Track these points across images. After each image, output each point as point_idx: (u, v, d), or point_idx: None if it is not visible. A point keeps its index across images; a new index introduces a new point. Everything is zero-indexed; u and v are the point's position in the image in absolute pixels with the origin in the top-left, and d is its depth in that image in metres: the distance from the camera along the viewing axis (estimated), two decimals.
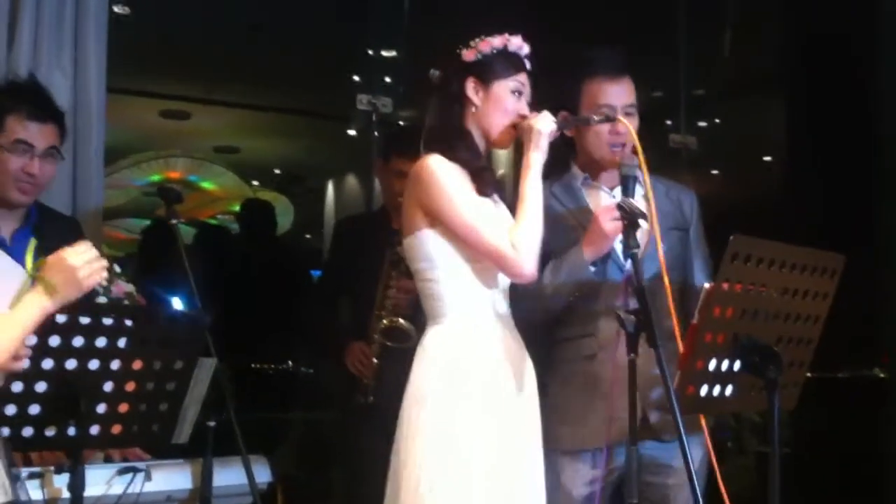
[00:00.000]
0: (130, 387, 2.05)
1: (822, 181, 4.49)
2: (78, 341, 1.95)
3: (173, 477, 2.36)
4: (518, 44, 2.41)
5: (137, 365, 2.05)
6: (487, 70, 2.38)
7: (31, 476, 2.14)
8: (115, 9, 3.85)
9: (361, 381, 3.26)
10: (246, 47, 5.95)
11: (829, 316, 2.31)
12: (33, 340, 1.87)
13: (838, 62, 4.42)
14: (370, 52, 5.62)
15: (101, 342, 1.98)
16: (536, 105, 2.43)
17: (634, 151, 2.39)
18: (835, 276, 2.28)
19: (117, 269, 2.74)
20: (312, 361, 4.90)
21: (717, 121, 6.32)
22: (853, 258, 2.31)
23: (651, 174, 2.48)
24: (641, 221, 2.24)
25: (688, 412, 2.26)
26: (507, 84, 2.38)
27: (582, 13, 5.14)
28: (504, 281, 2.36)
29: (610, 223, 2.37)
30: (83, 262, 1.86)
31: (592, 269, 2.44)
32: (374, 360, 3.24)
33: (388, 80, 5.51)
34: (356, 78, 5.81)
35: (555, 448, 2.48)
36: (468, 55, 2.39)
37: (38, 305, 1.81)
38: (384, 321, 3.21)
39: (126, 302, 2.66)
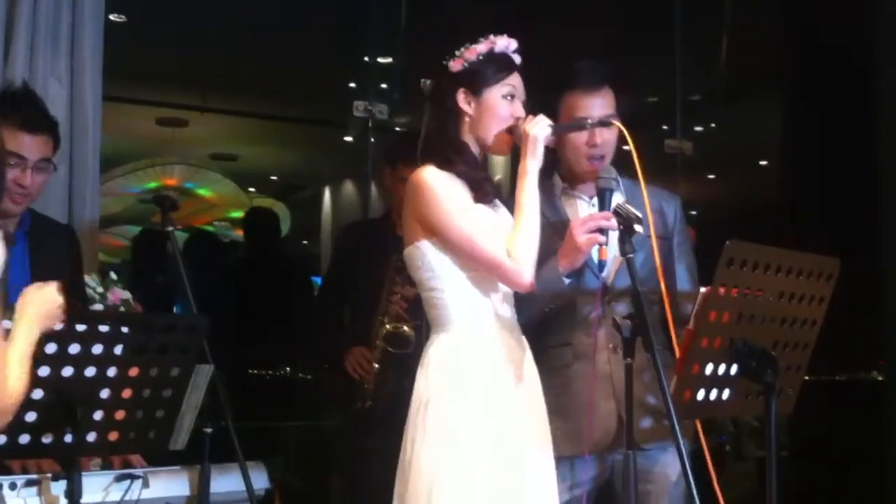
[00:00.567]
0: (127, 394, 2.05)
1: (819, 185, 4.50)
2: (74, 348, 1.95)
3: (171, 483, 2.36)
4: (504, 43, 2.38)
5: (134, 372, 2.04)
6: (476, 79, 2.36)
7: (29, 483, 2.14)
8: (111, 17, 3.85)
9: (361, 386, 3.27)
10: (243, 55, 5.96)
11: (827, 319, 2.32)
12: None
13: (835, 66, 4.43)
14: (367, 58, 5.62)
15: (97, 349, 1.98)
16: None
17: (634, 161, 2.38)
18: (831, 279, 2.28)
19: (113, 276, 2.75)
20: (311, 368, 4.90)
21: (713, 125, 6.34)
22: (850, 262, 2.32)
23: (634, 180, 2.48)
24: (637, 227, 2.24)
25: (685, 417, 2.27)
26: (498, 90, 2.36)
27: (578, 18, 5.16)
28: (505, 286, 2.37)
29: (583, 236, 2.36)
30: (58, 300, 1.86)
31: (567, 280, 2.43)
32: (375, 366, 3.24)
33: (384, 86, 5.52)
34: (353, 84, 5.81)
35: None
36: (455, 65, 2.38)
37: (33, 335, 1.80)
38: (387, 326, 3.22)
39: (122, 309, 2.67)
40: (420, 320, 3.15)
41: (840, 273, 2.28)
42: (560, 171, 2.67)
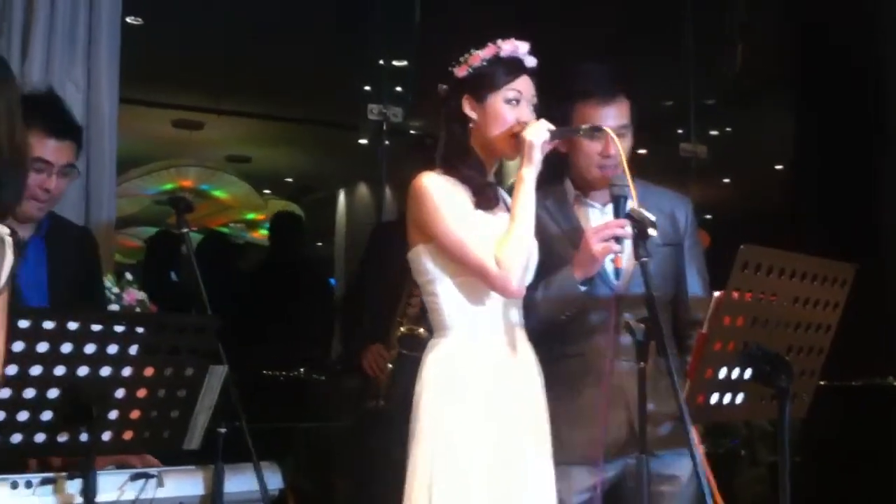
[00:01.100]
0: (142, 393, 2.06)
1: (833, 190, 4.48)
2: (90, 348, 1.96)
3: (185, 483, 2.36)
4: (511, 48, 2.37)
5: (149, 372, 2.05)
6: (480, 85, 2.36)
7: (44, 482, 2.15)
8: (128, 19, 3.87)
9: (374, 385, 3.29)
10: (257, 57, 5.98)
11: (841, 324, 2.31)
12: (21, 347, 1.88)
13: (848, 70, 4.42)
14: (381, 61, 5.63)
15: (112, 349, 1.99)
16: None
17: (625, 172, 2.36)
18: (845, 285, 2.27)
19: (129, 277, 2.77)
20: (324, 369, 4.92)
21: (728, 129, 6.33)
22: (865, 266, 2.31)
23: (645, 183, 2.51)
24: (651, 231, 2.24)
25: (698, 421, 2.27)
26: (501, 94, 2.35)
27: (591, 22, 5.16)
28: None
29: (598, 245, 2.35)
30: None
31: (583, 288, 2.43)
32: (389, 365, 3.25)
33: (398, 89, 5.53)
34: (367, 88, 5.83)
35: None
36: (460, 71, 2.38)
37: None
38: (403, 328, 3.24)
39: (138, 309, 2.68)
40: None
41: (855, 278, 2.28)
42: (572, 178, 2.66)
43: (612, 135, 2.37)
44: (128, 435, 2.08)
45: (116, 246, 3.66)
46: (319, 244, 9.64)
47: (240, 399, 2.42)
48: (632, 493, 2.45)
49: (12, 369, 1.88)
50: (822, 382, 2.37)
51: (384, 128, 4.95)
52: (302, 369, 4.98)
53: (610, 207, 2.46)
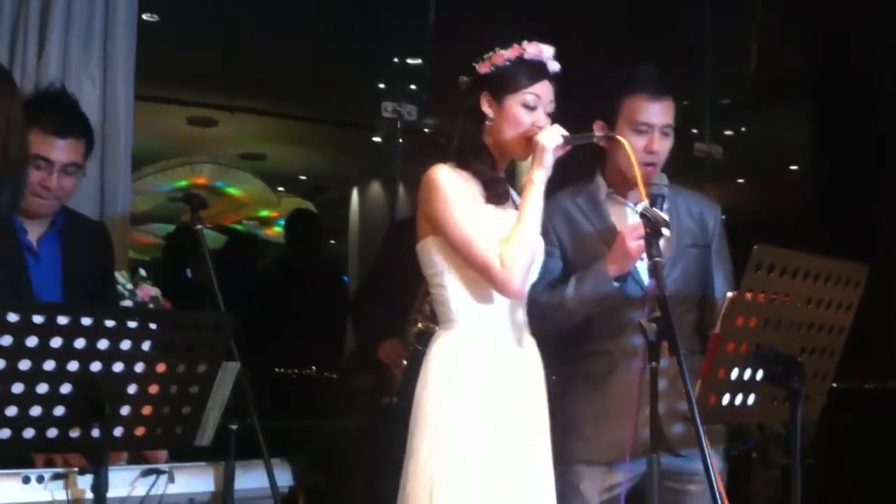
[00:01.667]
0: (154, 389, 2.06)
1: (848, 191, 4.46)
2: (103, 344, 1.96)
3: (196, 479, 2.38)
4: (536, 51, 2.38)
5: (161, 368, 2.06)
6: (500, 84, 2.37)
7: (55, 476, 2.17)
8: (144, 17, 3.88)
9: (388, 381, 3.29)
10: (272, 55, 5.99)
11: (854, 326, 2.30)
12: (34, 342, 1.89)
13: (864, 71, 4.39)
14: (396, 59, 5.64)
15: (125, 345, 1.99)
16: (563, 109, 2.42)
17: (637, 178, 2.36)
18: (859, 286, 2.26)
19: (143, 273, 2.78)
20: (337, 367, 4.93)
21: (743, 129, 6.30)
22: (879, 268, 2.30)
23: (676, 186, 2.53)
24: (665, 231, 2.24)
25: (709, 421, 2.26)
26: (519, 97, 2.36)
27: (607, 21, 5.14)
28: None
29: (635, 242, 2.38)
30: None
31: (616, 284, 2.45)
32: (405, 362, 3.26)
33: (413, 87, 5.53)
34: (381, 85, 5.83)
35: (573, 459, 2.52)
36: (482, 68, 2.40)
37: None
38: (421, 325, 3.24)
39: (151, 305, 2.69)
40: None
41: (868, 280, 2.26)
42: (605, 175, 2.66)
43: (626, 143, 2.36)
44: (140, 431, 2.08)
45: (131, 242, 3.67)
46: (333, 242, 9.66)
47: (252, 396, 2.43)
48: (669, 495, 2.47)
49: (25, 364, 1.89)
50: (834, 385, 2.36)
51: (398, 126, 4.95)
52: (314, 367, 5.00)
53: (642, 206, 2.47)
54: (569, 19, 4.83)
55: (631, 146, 2.36)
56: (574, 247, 2.55)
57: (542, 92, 2.38)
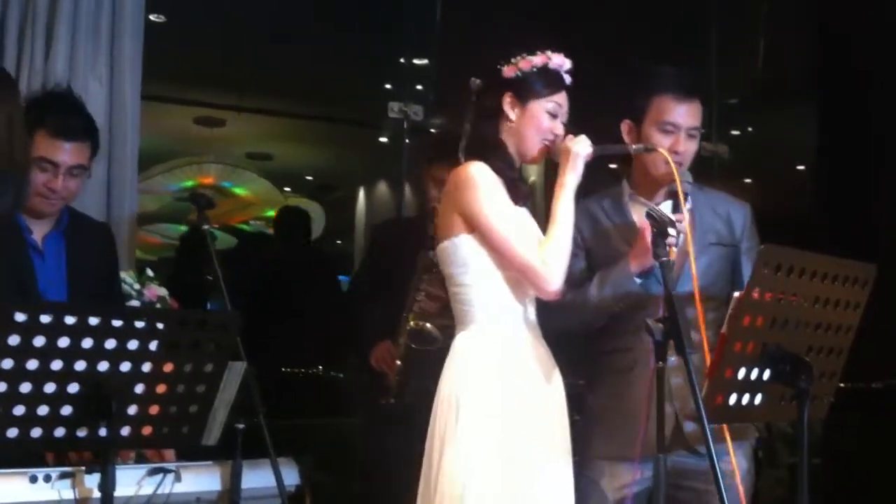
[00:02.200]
0: (161, 389, 2.07)
1: (855, 190, 4.45)
2: (110, 344, 1.97)
3: (203, 478, 2.38)
4: (559, 61, 2.45)
5: (168, 367, 2.06)
6: (525, 88, 2.42)
7: (63, 475, 2.17)
8: (151, 17, 3.89)
9: (384, 382, 3.27)
10: (279, 55, 6.00)
11: (861, 326, 2.29)
12: (42, 341, 1.89)
13: (871, 70, 4.39)
14: (402, 60, 5.64)
15: (132, 345, 1.99)
16: (576, 119, 2.46)
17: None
18: (866, 286, 2.25)
19: (150, 273, 2.78)
20: (340, 366, 4.93)
21: (750, 129, 6.29)
22: (887, 267, 2.29)
23: (703, 186, 2.60)
24: (671, 230, 2.24)
25: (716, 421, 2.26)
26: (544, 104, 2.42)
27: (612, 20, 5.14)
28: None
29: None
30: None
31: (638, 281, 2.46)
32: (398, 362, 3.24)
33: (419, 87, 5.53)
34: (388, 86, 5.83)
35: (594, 455, 2.56)
36: (508, 72, 2.43)
37: None
38: (414, 323, 3.22)
39: (158, 305, 2.70)
40: (450, 320, 3.17)
41: (876, 279, 2.26)
42: (629, 176, 2.69)
43: (667, 155, 2.41)
44: (147, 430, 2.09)
45: (138, 242, 3.68)
46: (339, 242, 9.66)
47: (259, 395, 2.44)
48: (676, 490, 2.48)
49: (33, 363, 1.89)
50: (841, 384, 2.36)
51: (405, 126, 4.95)
52: (320, 366, 5.00)
53: (665, 206, 2.54)
54: (573, 19, 4.83)
55: (669, 154, 2.39)
56: (597, 246, 2.58)
57: (563, 102, 2.45)
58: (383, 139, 6.57)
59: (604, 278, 2.52)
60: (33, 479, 2.14)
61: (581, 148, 2.40)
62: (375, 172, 8.40)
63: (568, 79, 2.47)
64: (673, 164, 2.39)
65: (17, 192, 1.75)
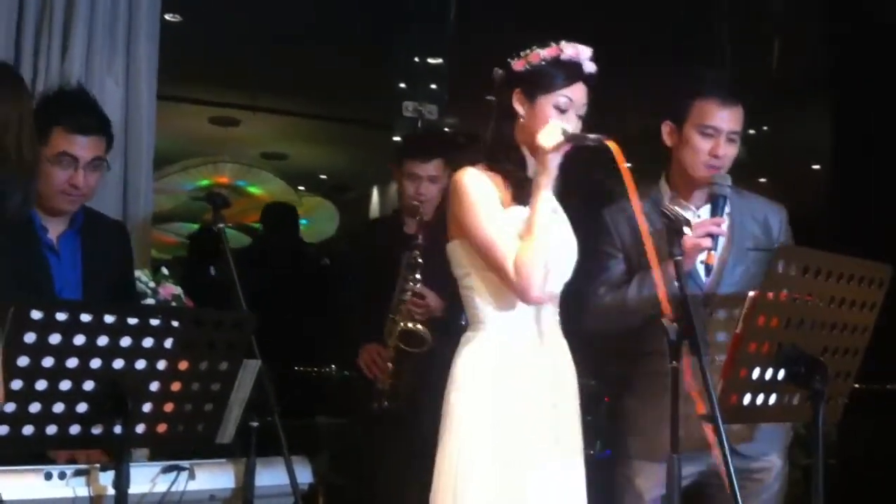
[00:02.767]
0: (176, 387, 2.08)
1: (871, 189, 4.43)
2: (126, 341, 1.98)
3: (216, 476, 2.39)
4: (573, 52, 2.34)
5: (183, 365, 2.07)
6: (533, 83, 2.34)
7: (77, 473, 2.18)
8: (167, 17, 3.90)
9: (375, 386, 3.21)
10: (293, 55, 6.01)
11: (877, 326, 2.28)
12: (57, 339, 1.90)
13: (887, 69, 4.36)
14: (416, 59, 5.64)
15: (148, 343, 2.01)
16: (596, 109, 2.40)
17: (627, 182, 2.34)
18: (882, 286, 2.24)
19: (165, 271, 2.79)
20: (354, 365, 4.92)
21: (765, 128, 6.26)
22: None
23: (742, 190, 2.61)
24: (686, 229, 2.23)
25: (732, 421, 2.25)
26: (552, 99, 2.32)
27: (628, 20, 5.13)
28: (550, 289, 2.36)
29: (690, 240, 2.41)
30: None
31: (676, 283, 2.45)
32: (389, 365, 3.18)
33: (433, 87, 5.53)
34: (402, 85, 5.83)
35: (630, 456, 2.59)
36: (518, 65, 2.36)
37: None
38: (403, 324, 3.16)
39: (173, 304, 2.71)
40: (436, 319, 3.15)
41: (892, 279, 2.25)
42: (669, 177, 2.68)
43: (614, 147, 2.22)
44: (161, 428, 2.10)
45: (153, 241, 3.69)
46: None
47: (273, 393, 2.44)
48: (714, 489, 2.52)
49: (48, 361, 1.90)
50: (856, 385, 2.35)
51: (419, 125, 4.95)
52: (333, 365, 5.00)
53: (704, 210, 2.57)
54: (589, 20, 4.82)
55: (619, 151, 2.31)
56: (636, 249, 2.56)
57: (576, 95, 2.34)
58: (397, 139, 6.57)
59: (642, 281, 2.52)
60: (48, 476, 2.15)
61: (546, 140, 2.25)
62: (389, 172, 8.39)
63: (589, 68, 2.35)
64: (622, 162, 2.23)
65: (26, 192, 1.76)
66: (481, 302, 2.34)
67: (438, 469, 2.28)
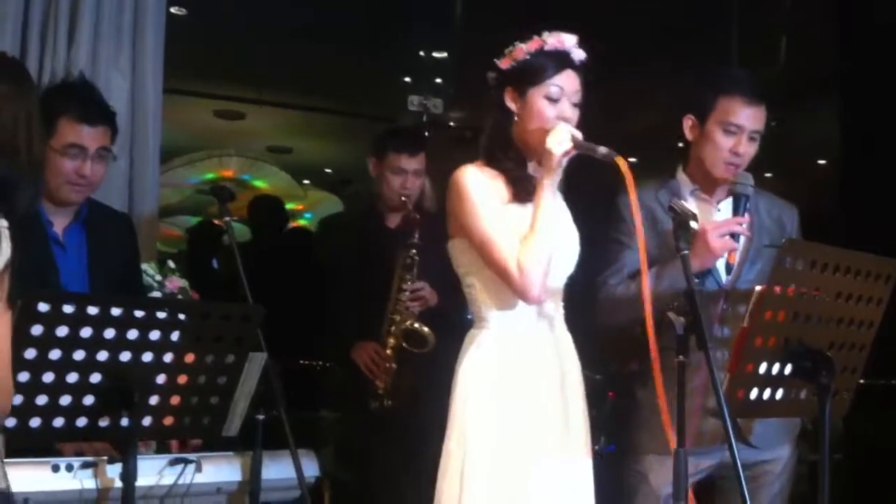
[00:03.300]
0: (182, 380, 2.08)
1: (878, 185, 4.42)
2: (132, 334, 1.98)
3: (223, 469, 2.39)
4: (556, 41, 2.32)
5: (190, 358, 2.07)
6: (522, 78, 2.32)
7: (85, 465, 2.19)
8: (172, 10, 3.90)
9: (374, 385, 3.18)
10: (299, 49, 6.00)
11: (883, 321, 2.28)
12: (65, 331, 1.91)
13: (893, 65, 4.35)
14: (421, 53, 5.63)
15: (154, 335, 2.01)
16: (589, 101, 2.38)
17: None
18: (889, 281, 2.24)
19: (171, 265, 2.80)
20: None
21: (772, 124, 6.24)
22: None
23: (757, 188, 2.59)
24: (693, 224, 2.23)
25: (738, 415, 2.25)
26: (542, 90, 2.30)
27: (635, 15, 5.12)
28: (552, 285, 2.36)
29: (718, 240, 2.42)
30: None
31: (696, 280, 2.44)
32: (392, 365, 3.16)
33: (439, 81, 5.53)
34: (407, 79, 5.83)
35: (645, 452, 2.58)
36: (504, 63, 2.36)
37: None
38: (409, 324, 3.16)
39: (180, 297, 2.71)
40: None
41: None
42: (688, 171, 2.67)
43: (623, 163, 2.23)
44: (168, 420, 2.10)
45: (159, 234, 3.69)
46: None
47: (280, 387, 2.44)
48: (729, 482, 2.55)
49: (55, 353, 1.91)
50: (862, 381, 2.34)
51: (424, 119, 4.95)
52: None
53: (724, 204, 2.57)
54: (596, 15, 4.81)
55: (628, 169, 2.29)
56: (655, 242, 2.52)
57: (566, 83, 2.32)
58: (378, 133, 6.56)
59: (660, 274, 2.48)
60: (55, 469, 2.16)
61: (554, 145, 2.23)
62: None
63: (577, 55, 2.33)
64: (629, 175, 2.21)
65: (35, 188, 1.77)
66: (483, 300, 2.33)
67: (443, 468, 2.27)
